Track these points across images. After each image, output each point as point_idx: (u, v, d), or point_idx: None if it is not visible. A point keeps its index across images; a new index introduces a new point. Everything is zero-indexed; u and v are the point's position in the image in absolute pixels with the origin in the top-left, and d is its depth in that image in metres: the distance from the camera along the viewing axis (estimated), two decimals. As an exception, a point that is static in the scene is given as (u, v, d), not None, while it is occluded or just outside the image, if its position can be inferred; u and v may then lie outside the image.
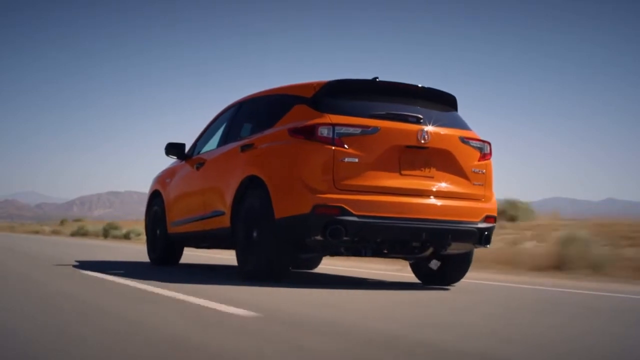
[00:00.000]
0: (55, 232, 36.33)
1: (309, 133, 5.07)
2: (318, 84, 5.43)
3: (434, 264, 5.95)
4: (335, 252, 5.46)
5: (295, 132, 5.18)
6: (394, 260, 9.27)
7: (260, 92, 6.29)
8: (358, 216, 4.91)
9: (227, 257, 10.37)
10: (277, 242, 5.17)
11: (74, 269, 6.54)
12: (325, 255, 5.70)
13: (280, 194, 5.12)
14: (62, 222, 44.02)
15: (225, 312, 3.43)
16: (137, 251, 11.74)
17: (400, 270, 8.05)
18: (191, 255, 10.18)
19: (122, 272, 6.16)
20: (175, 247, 7.37)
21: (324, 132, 5.02)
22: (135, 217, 41.05)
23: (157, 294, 4.28)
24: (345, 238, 4.95)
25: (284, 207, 5.08)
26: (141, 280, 5.14)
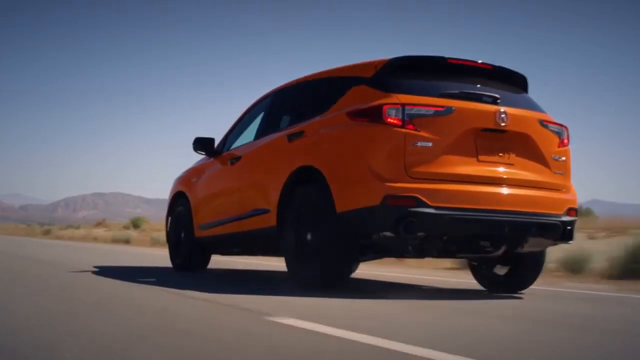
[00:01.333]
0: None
1: (374, 115, 4.45)
2: (379, 62, 4.82)
3: (500, 268, 5.35)
4: (401, 253, 4.82)
5: (357, 114, 4.57)
6: (425, 262, 8.66)
7: (302, 78, 5.66)
8: (435, 208, 4.28)
9: (250, 261, 9.58)
10: (339, 241, 4.53)
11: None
12: (388, 256, 5.07)
13: (343, 185, 4.50)
14: (137, 223, 31.40)
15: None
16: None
17: (442, 274, 7.43)
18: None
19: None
20: (203, 252, 6.69)
21: (392, 113, 4.41)
22: (125, 219, 38.04)
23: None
24: (419, 233, 4.33)
25: (347, 200, 4.45)
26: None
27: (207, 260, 6.83)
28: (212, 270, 7.05)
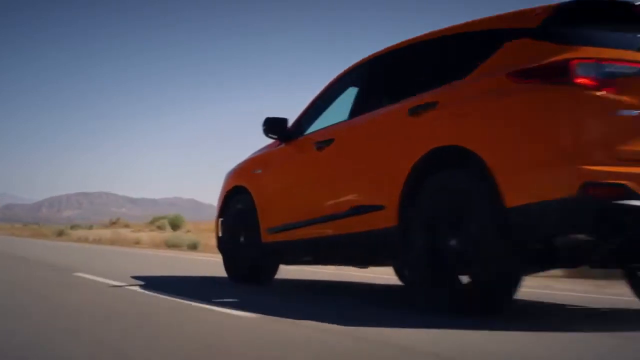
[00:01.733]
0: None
1: (557, 74, 3.25)
2: (543, 8, 3.62)
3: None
4: (582, 262, 3.61)
5: (527, 75, 3.37)
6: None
7: (417, 38, 4.39)
8: None
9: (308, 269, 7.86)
10: (507, 247, 3.31)
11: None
12: (558, 267, 3.88)
13: (515, 171, 3.29)
14: (176, 222, 27.03)
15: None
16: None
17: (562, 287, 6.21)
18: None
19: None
20: (269, 260, 5.44)
21: (582, 71, 3.21)
22: (112, 218, 36.14)
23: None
24: (625, 235, 3.14)
25: (523, 191, 3.24)
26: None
27: (276, 270, 5.58)
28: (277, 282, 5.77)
